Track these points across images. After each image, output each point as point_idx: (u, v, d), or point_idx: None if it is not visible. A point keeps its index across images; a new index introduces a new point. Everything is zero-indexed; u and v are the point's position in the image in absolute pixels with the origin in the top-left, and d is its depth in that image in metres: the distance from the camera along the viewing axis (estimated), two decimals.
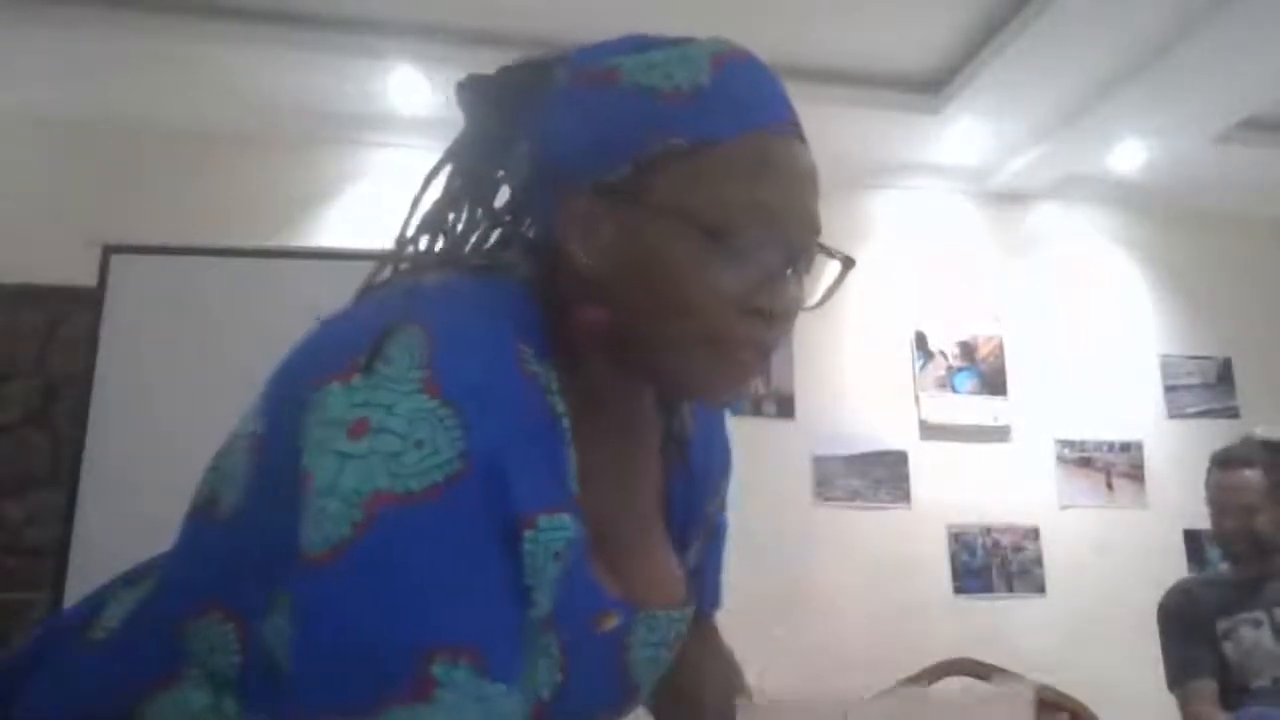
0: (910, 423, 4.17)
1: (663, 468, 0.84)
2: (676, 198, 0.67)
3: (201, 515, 0.71)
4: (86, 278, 2.36)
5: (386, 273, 0.75)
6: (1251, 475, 2.44)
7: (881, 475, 4.09)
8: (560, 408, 0.65)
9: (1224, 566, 2.56)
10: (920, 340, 4.29)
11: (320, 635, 0.56)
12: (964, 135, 4.07)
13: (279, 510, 0.60)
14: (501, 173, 0.77)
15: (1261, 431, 2.60)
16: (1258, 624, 2.37)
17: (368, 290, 0.74)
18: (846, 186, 4.31)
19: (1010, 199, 4.50)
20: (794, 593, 3.71)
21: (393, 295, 0.69)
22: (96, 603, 0.76)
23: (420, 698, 0.54)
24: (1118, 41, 3.40)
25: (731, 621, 1.03)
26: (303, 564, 0.57)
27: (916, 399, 4.21)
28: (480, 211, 0.77)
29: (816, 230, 0.71)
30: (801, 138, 0.71)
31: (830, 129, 3.91)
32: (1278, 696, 2.29)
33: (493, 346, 0.63)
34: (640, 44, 0.72)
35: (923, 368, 4.26)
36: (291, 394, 0.63)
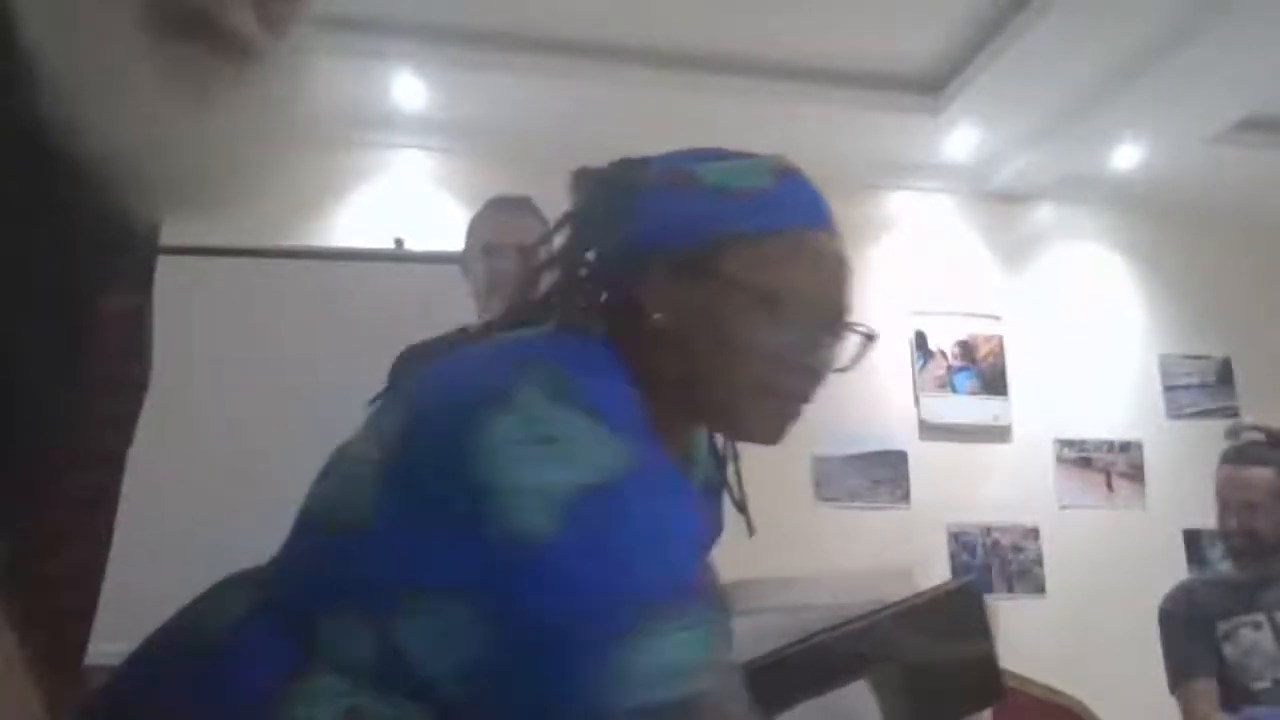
0: (910, 423, 4.18)
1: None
2: (739, 273, 0.85)
3: (318, 527, 0.83)
4: None
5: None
6: (1259, 473, 2.42)
7: (881, 475, 4.09)
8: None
9: (1224, 566, 2.56)
10: (920, 340, 4.29)
11: (547, 603, 0.69)
12: (964, 136, 4.07)
13: (418, 525, 0.74)
14: (590, 247, 0.93)
15: (1250, 421, 2.59)
16: (1258, 626, 2.37)
17: (473, 342, 0.90)
18: (846, 186, 4.31)
19: (1010, 199, 4.50)
20: None
21: (510, 342, 0.86)
22: (203, 608, 0.85)
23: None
24: (1116, 43, 3.41)
25: None
26: (509, 550, 0.70)
27: (916, 399, 4.22)
28: (571, 275, 0.93)
29: (843, 309, 0.91)
30: (836, 235, 0.90)
31: (830, 129, 3.92)
32: (1278, 699, 2.29)
33: (609, 375, 0.81)
34: (716, 155, 0.92)
35: (923, 368, 4.26)
36: (438, 429, 0.76)
